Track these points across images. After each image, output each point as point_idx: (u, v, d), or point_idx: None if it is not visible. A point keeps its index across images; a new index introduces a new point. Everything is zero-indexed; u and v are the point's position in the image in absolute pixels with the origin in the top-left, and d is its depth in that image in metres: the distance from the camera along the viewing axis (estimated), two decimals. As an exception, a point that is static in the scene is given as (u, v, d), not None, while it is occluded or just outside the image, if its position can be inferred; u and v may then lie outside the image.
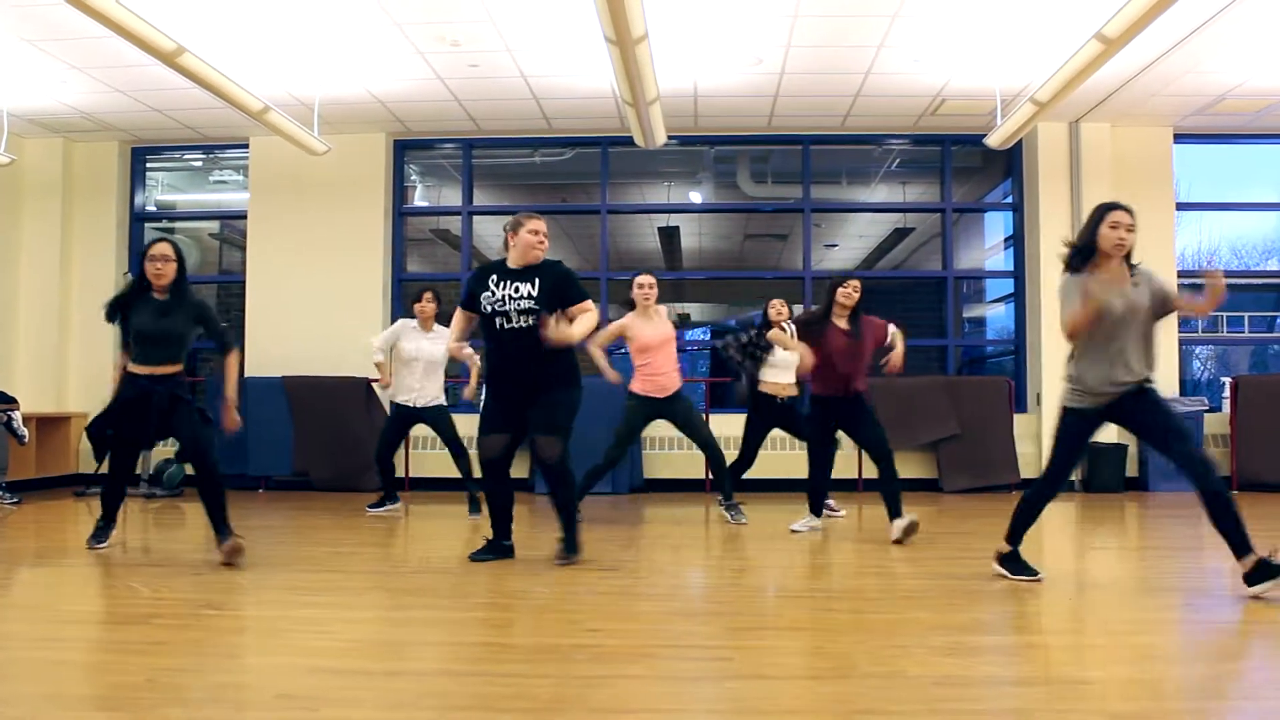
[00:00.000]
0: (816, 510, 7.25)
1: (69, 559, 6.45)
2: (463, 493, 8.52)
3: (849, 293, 6.89)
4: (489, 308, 5.77)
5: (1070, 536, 7.71)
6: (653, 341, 7.60)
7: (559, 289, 5.77)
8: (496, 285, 5.79)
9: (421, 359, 8.24)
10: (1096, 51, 7.26)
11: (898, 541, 6.60)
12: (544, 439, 5.84)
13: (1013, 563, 5.34)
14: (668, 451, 10.39)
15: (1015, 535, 5.37)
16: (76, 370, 11.30)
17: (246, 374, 10.90)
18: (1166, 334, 10.77)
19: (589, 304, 5.84)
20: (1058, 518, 8.62)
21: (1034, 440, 10.64)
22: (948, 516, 8.41)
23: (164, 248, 6.02)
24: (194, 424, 5.99)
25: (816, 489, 7.18)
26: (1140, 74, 9.17)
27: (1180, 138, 10.95)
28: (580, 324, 5.73)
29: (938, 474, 10.47)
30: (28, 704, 3.25)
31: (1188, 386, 11.08)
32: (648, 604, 4.95)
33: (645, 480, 10.51)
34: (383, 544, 7.25)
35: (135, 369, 5.97)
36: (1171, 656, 3.98)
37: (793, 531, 7.11)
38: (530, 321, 5.68)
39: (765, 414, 8.10)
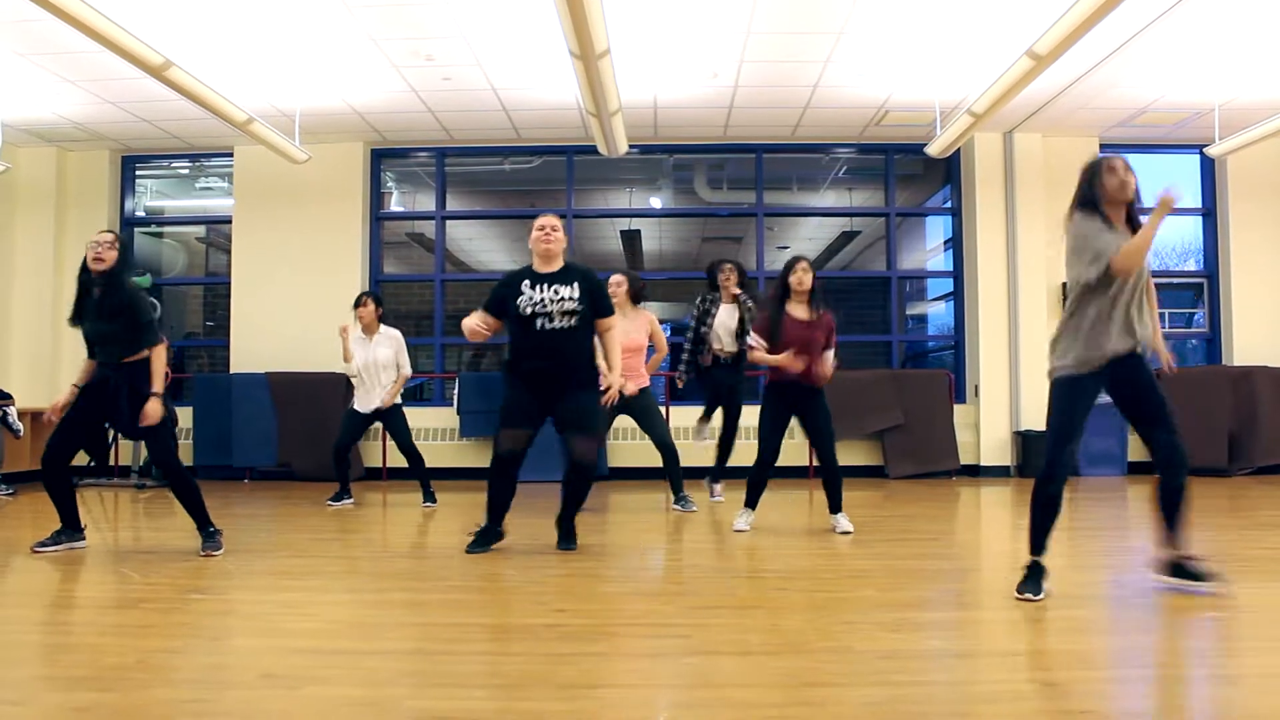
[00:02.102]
0: (752, 503, 6.74)
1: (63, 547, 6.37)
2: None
3: (800, 277, 6.48)
4: (528, 309, 5.57)
5: (1006, 518, 7.77)
6: (624, 345, 7.49)
7: (597, 299, 5.69)
8: (533, 288, 5.62)
9: (376, 364, 8.08)
10: (1028, 67, 7.32)
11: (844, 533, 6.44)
12: (583, 440, 5.66)
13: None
14: (631, 442, 10.37)
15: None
16: (69, 367, 11.08)
17: (233, 370, 10.84)
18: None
19: (614, 319, 5.83)
20: (995, 501, 8.70)
21: (973, 429, 10.73)
22: (893, 501, 8.45)
23: (106, 235, 5.61)
24: (129, 435, 5.78)
25: (759, 482, 6.71)
26: (1068, 88, 9.25)
27: (1106, 147, 11.03)
28: (616, 357, 5.81)
29: (883, 461, 10.52)
30: (24, 685, 3.22)
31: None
32: (610, 585, 4.95)
33: (609, 469, 10.49)
34: (361, 531, 7.20)
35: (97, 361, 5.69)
36: (1100, 629, 4.02)
37: (737, 531, 6.56)
38: (573, 322, 5.58)
39: (716, 373, 8.01)
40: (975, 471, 10.64)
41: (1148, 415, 4.44)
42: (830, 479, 6.58)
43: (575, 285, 5.64)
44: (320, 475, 10.31)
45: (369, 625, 4.20)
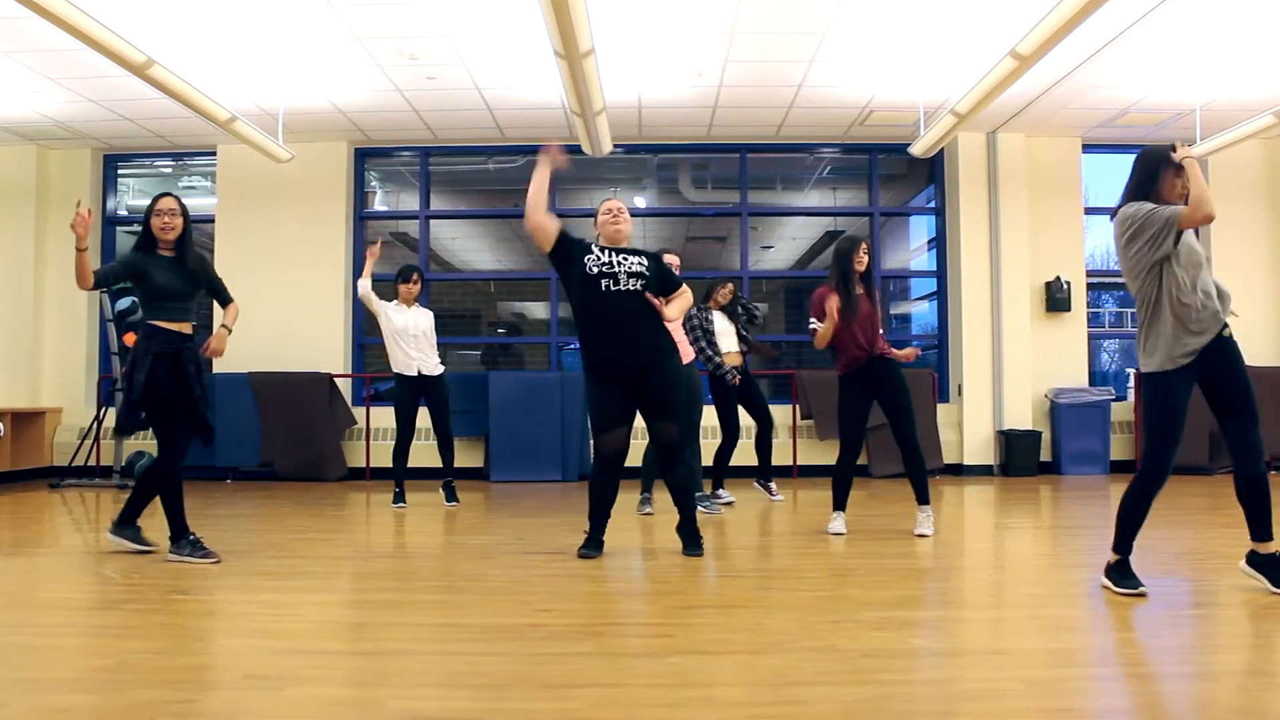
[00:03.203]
0: (842, 503, 6.49)
1: (44, 548, 6.35)
2: (403, 478, 8.17)
3: (861, 258, 6.35)
4: (595, 269, 5.43)
5: (989, 517, 7.80)
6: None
7: (664, 275, 5.60)
8: (603, 253, 5.50)
9: (417, 330, 8.02)
10: (1011, 68, 7.35)
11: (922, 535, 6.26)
12: (665, 425, 5.51)
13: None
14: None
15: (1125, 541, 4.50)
16: (51, 367, 11.12)
17: (215, 370, 10.78)
18: (1076, 328, 10.93)
19: (685, 288, 5.70)
20: (978, 500, 8.73)
21: (956, 429, 10.77)
22: (877, 500, 8.47)
23: (171, 202, 5.54)
24: (205, 409, 5.63)
25: (846, 478, 6.51)
26: (1051, 89, 9.29)
27: (1088, 148, 11.11)
28: (678, 303, 5.60)
29: (868, 460, 10.54)
30: (4, 687, 3.19)
31: (1096, 378, 11.26)
32: (595, 585, 4.95)
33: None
34: (346, 531, 7.19)
35: (161, 324, 5.47)
36: (1082, 627, 4.04)
37: (836, 534, 6.32)
38: (638, 286, 5.43)
39: (728, 387, 7.90)
40: (958, 471, 10.68)
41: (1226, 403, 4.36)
42: (913, 465, 6.41)
43: (643, 257, 5.56)
44: (303, 475, 10.31)
45: (353, 625, 4.19)
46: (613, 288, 5.43)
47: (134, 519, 5.66)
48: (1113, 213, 4.48)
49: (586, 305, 5.51)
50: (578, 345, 5.73)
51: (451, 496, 8.12)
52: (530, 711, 2.93)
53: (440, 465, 8.19)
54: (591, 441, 5.64)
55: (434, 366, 8.10)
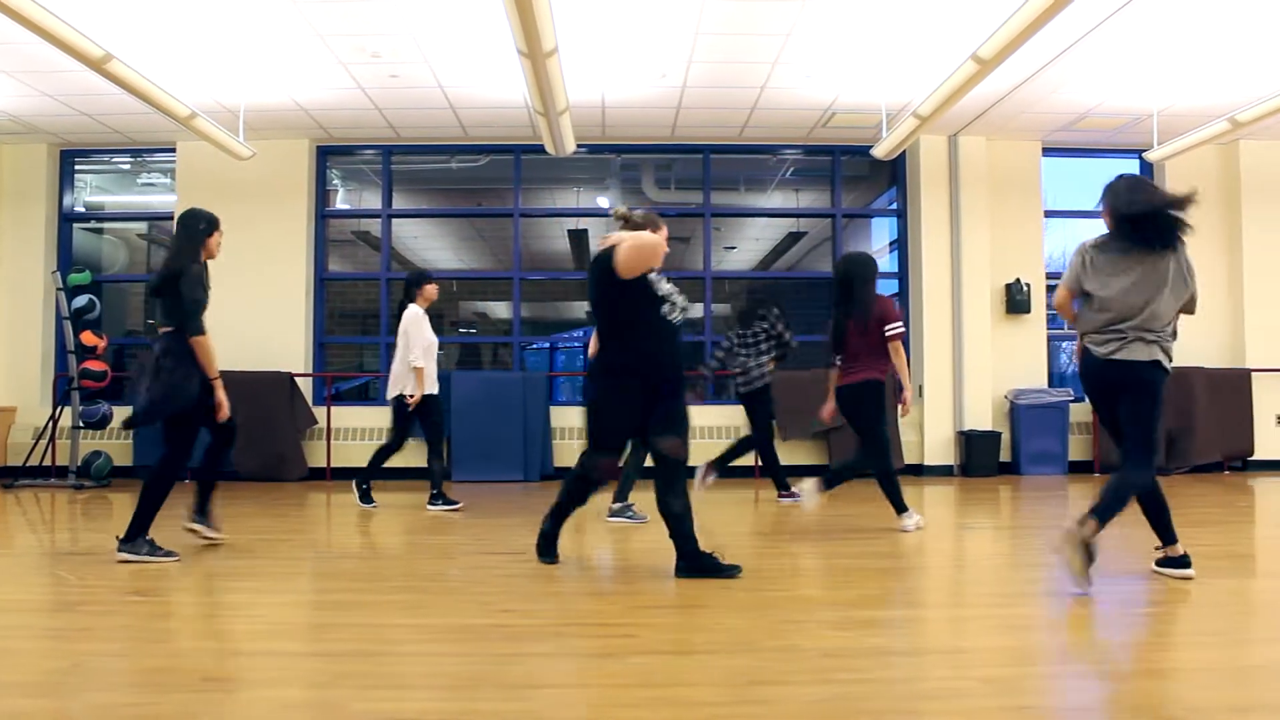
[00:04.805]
0: (899, 505, 6.81)
1: (-3, 549, 6.26)
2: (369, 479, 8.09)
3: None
4: (662, 291, 5.17)
5: (949, 517, 7.85)
6: None
7: None
8: (661, 280, 5.24)
9: (435, 344, 7.94)
10: (973, 71, 7.41)
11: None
12: (673, 441, 5.10)
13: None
14: (577, 441, 10.36)
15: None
16: (5, 365, 10.93)
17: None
18: (1036, 330, 11.03)
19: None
20: (939, 500, 8.78)
21: (917, 429, 10.83)
22: (838, 500, 8.48)
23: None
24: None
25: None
26: (1012, 93, 9.37)
27: (1048, 151, 11.21)
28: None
29: (829, 461, 10.58)
30: (-45, 691, 3.15)
31: (1055, 379, 11.35)
32: (556, 585, 4.94)
33: (555, 468, 10.46)
34: (306, 532, 7.14)
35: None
36: (1037, 626, 4.08)
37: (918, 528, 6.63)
38: (684, 318, 5.31)
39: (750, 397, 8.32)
40: (919, 471, 10.75)
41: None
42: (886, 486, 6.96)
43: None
44: (264, 475, 10.21)
45: (313, 626, 4.16)
46: (674, 316, 5.20)
47: (145, 530, 5.47)
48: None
49: (652, 320, 5.17)
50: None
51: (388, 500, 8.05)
52: (492, 712, 2.93)
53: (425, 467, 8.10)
54: (584, 456, 5.27)
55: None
